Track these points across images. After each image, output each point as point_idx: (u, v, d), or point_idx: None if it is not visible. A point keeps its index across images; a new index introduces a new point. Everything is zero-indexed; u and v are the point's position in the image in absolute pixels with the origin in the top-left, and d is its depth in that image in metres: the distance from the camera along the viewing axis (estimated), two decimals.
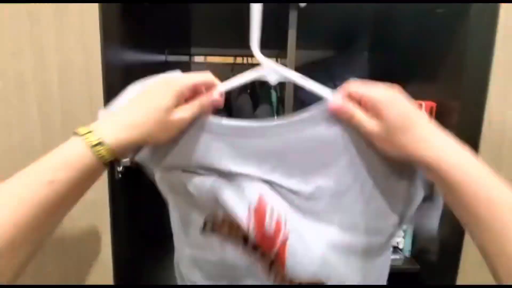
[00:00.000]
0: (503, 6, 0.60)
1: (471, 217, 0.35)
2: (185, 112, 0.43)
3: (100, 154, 0.37)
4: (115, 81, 0.59)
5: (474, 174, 0.36)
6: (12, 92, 0.52)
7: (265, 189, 0.47)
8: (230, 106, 1.05)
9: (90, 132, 0.38)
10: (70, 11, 0.52)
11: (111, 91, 0.56)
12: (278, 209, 0.46)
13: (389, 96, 0.38)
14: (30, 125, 0.55)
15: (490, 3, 0.62)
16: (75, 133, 0.38)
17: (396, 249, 0.92)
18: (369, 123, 0.39)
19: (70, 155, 0.37)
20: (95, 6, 0.55)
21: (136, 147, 0.45)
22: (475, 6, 0.64)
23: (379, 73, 1.16)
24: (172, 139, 0.45)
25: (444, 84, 0.79)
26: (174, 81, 0.43)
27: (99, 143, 0.37)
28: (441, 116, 0.77)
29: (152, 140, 0.42)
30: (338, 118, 0.42)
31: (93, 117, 0.56)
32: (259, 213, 0.46)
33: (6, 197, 0.34)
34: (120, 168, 0.66)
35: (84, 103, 0.55)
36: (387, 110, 0.37)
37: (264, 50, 1.12)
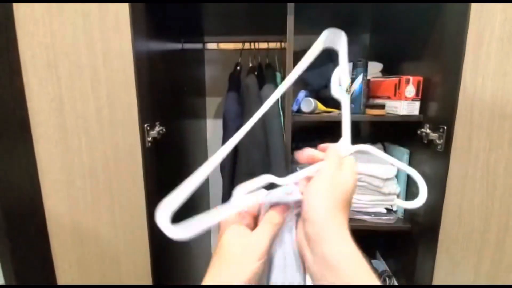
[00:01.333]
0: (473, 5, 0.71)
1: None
2: (261, 236, 0.36)
3: None
4: (142, 62, 0.73)
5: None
6: (74, 73, 0.67)
7: None
8: (239, 85, 1.16)
9: None
10: (109, 9, 0.66)
11: (140, 71, 0.70)
12: None
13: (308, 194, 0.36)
14: (85, 94, 0.73)
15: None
16: None
17: (390, 211, 1.03)
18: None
19: None
20: (127, 5, 0.67)
21: None
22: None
23: (378, 53, 1.25)
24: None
25: (428, 62, 0.89)
26: (226, 224, 0.37)
27: None
28: (427, 87, 0.88)
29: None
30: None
31: (127, 90, 0.72)
32: None
33: None
34: (149, 138, 0.81)
35: (121, 80, 0.70)
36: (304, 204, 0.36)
37: (269, 36, 1.24)
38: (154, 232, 0.79)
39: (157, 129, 0.82)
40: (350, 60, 1.02)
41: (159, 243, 0.82)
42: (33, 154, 0.75)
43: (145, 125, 0.77)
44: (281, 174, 0.45)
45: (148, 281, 0.81)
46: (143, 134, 0.77)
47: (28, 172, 0.76)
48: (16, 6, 0.61)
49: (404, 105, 0.90)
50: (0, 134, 0.64)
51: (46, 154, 0.76)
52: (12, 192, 0.72)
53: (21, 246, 0.75)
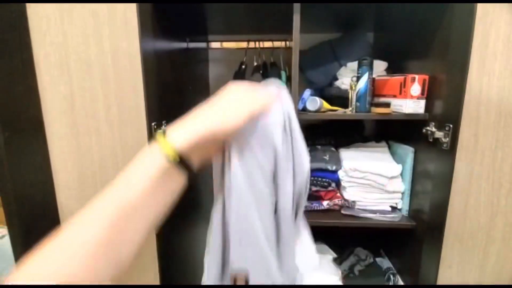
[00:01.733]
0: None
1: None
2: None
3: (165, 151, 0.36)
4: (149, 61, 0.74)
5: None
6: (85, 72, 0.68)
7: None
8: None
9: (163, 132, 0.38)
10: (118, 8, 0.67)
11: (147, 70, 0.71)
12: None
13: None
14: (95, 93, 0.74)
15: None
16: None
17: (395, 209, 1.04)
18: None
19: (146, 155, 0.38)
20: (134, 5, 0.68)
21: (205, 142, 0.41)
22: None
23: (382, 52, 1.25)
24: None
25: (434, 61, 0.89)
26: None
27: (165, 140, 0.36)
28: (432, 86, 0.88)
29: (219, 130, 0.41)
30: None
31: (135, 89, 0.73)
32: None
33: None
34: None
35: (129, 79, 0.71)
36: None
37: (274, 35, 1.24)
38: (161, 230, 0.80)
39: (163, 128, 0.83)
40: (355, 59, 1.03)
41: (166, 241, 0.83)
42: (46, 152, 0.76)
43: (152, 124, 0.77)
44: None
45: (156, 280, 0.82)
46: (150, 132, 0.77)
47: (42, 170, 0.77)
48: (29, 6, 0.62)
49: (409, 103, 0.90)
50: (14, 132, 0.66)
51: (58, 151, 0.77)
52: (27, 189, 0.73)
53: (35, 244, 0.76)
